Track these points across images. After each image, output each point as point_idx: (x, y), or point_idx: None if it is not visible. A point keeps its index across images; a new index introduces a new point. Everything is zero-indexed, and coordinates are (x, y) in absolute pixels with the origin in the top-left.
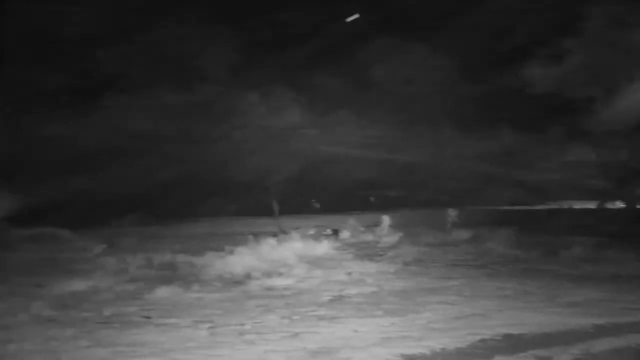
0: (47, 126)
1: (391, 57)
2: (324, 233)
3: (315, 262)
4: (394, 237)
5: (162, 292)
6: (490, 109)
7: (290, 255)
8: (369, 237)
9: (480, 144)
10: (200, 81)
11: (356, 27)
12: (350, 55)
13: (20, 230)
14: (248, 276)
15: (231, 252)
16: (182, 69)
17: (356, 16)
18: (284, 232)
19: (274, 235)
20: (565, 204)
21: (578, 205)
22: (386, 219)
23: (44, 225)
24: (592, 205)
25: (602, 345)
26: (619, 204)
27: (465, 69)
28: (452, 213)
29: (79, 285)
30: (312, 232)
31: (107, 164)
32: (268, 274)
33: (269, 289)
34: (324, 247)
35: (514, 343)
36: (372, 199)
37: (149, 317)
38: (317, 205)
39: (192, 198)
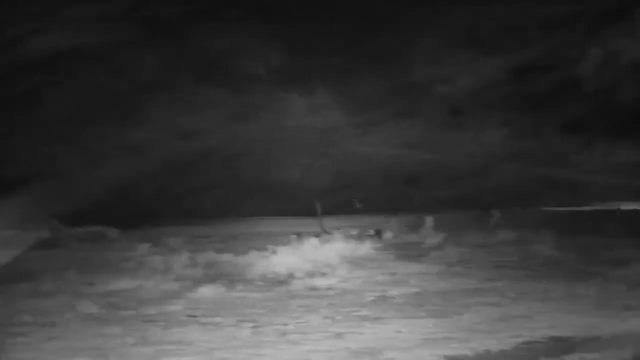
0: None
1: (435, 56)
2: (367, 233)
3: (358, 263)
4: (437, 238)
5: (206, 291)
6: (536, 107)
7: (333, 255)
8: (412, 237)
9: (526, 144)
10: (242, 80)
11: (400, 26)
12: (393, 54)
13: (71, 229)
14: (291, 276)
15: (274, 252)
16: (224, 68)
17: None
18: (327, 232)
19: (317, 235)
20: (612, 205)
21: (626, 206)
22: (429, 220)
23: (93, 224)
24: None
25: None
26: None
27: (511, 68)
28: (496, 214)
29: (124, 283)
30: (354, 232)
31: (153, 163)
32: (311, 274)
33: (312, 288)
34: (366, 248)
35: (560, 346)
36: (413, 199)
37: (193, 316)
38: (359, 206)
39: (236, 197)
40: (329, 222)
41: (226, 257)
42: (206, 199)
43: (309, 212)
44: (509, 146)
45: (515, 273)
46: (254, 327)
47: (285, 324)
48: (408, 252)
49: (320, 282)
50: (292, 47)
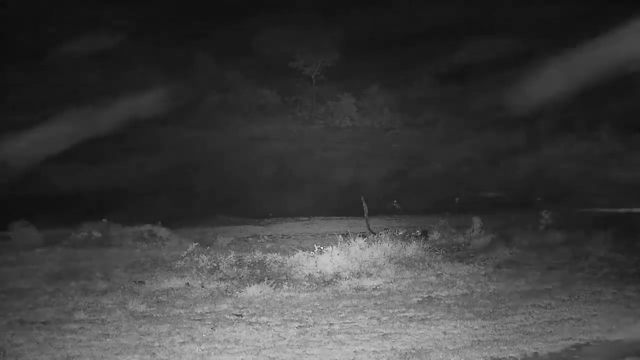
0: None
1: (487, 57)
2: (414, 234)
3: (404, 263)
4: (485, 239)
5: (253, 291)
6: (590, 108)
7: (379, 255)
8: (460, 238)
9: (578, 144)
10: (295, 81)
11: (451, 27)
12: (444, 54)
13: (122, 228)
14: (337, 276)
15: (321, 252)
16: (278, 69)
17: None
18: (373, 233)
19: (364, 235)
20: None
21: None
22: (477, 221)
23: (144, 223)
24: None
25: None
26: None
27: (566, 70)
28: (546, 215)
29: (173, 282)
30: (401, 232)
31: (201, 163)
32: (357, 274)
33: (359, 289)
34: (413, 248)
35: (610, 349)
36: (457, 199)
37: (240, 315)
38: (398, 207)
39: (284, 197)
40: (376, 222)
41: (273, 256)
42: (258, 199)
43: (358, 213)
44: (561, 146)
45: (567, 275)
46: (300, 326)
47: (332, 324)
48: (455, 252)
49: (366, 282)
50: (346, 48)
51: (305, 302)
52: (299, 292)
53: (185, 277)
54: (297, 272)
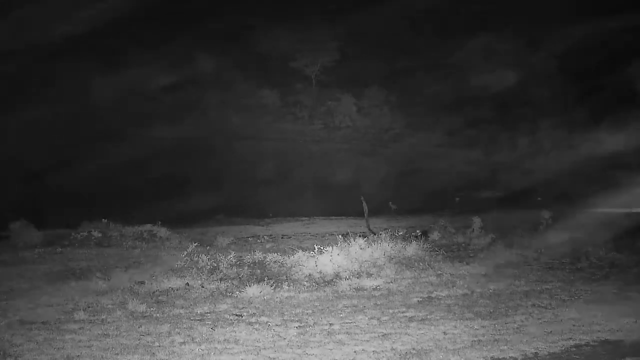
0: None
1: (489, 57)
2: (414, 234)
3: (404, 263)
4: (485, 239)
5: (253, 291)
6: (591, 108)
7: (379, 255)
8: (460, 238)
9: (580, 144)
10: (295, 81)
11: (451, 26)
12: (446, 54)
13: (122, 228)
14: (337, 276)
15: (321, 252)
16: (278, 69)
17: None
18: (373, 233)
19: (364, 235)
20: None
21: None
22: (477, 221)
23: (144, 223)
24: None
25: None
26: None
27: (567, 69)
28: (546, 215)
29: (173, 282)
30: (401, 232)
31: (202, 163)
32: (357, 274)
33: (359, 289)
34: (413, 248)
35: (611, 349)
36: (457, 199)
37: (240, 315)
38: (394, 207)
39: (284, 197)
40: (376, 222)
41: (273, 256)
42: (258, 199)
43: (358, 213)
44: (561, 147)
45: (567, 275)
46: (300, 327)
47: (332, 324)
48: (455, 252)
49: (366, 282)
50: (346, 48)
51: (305, 302)
52: (299, 292)
53: (185, 277)
54: (297, 272)
